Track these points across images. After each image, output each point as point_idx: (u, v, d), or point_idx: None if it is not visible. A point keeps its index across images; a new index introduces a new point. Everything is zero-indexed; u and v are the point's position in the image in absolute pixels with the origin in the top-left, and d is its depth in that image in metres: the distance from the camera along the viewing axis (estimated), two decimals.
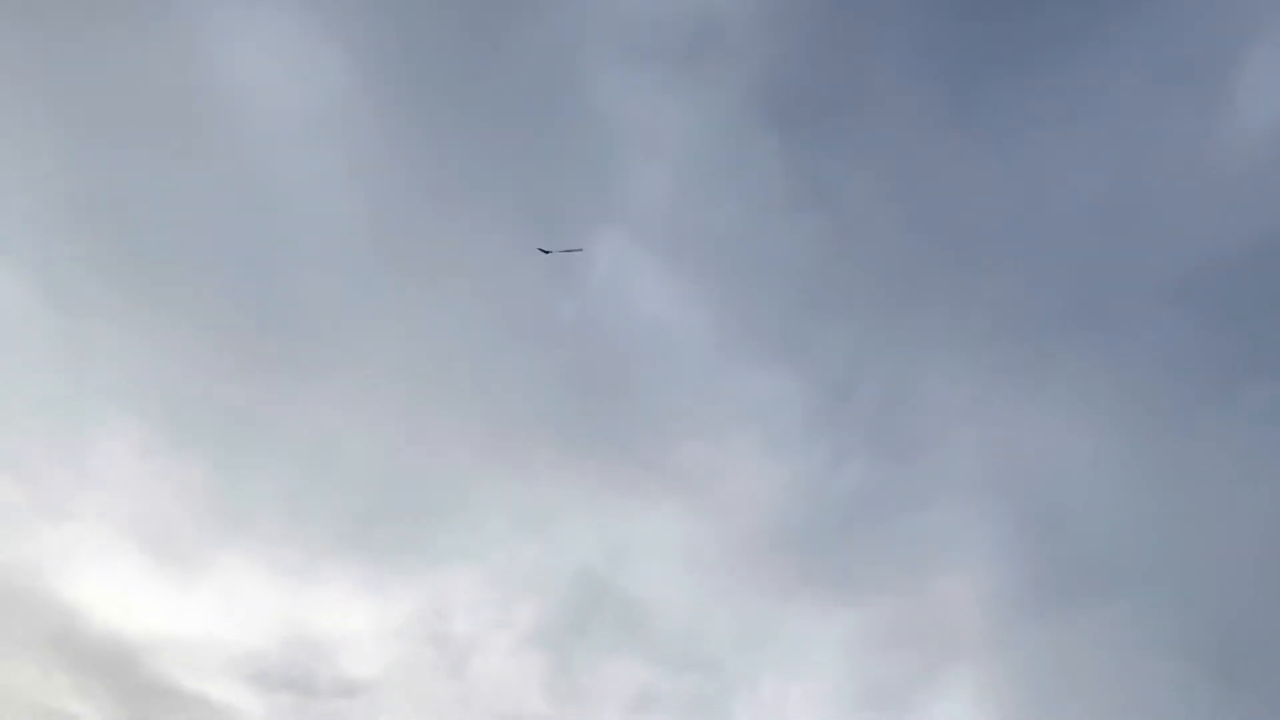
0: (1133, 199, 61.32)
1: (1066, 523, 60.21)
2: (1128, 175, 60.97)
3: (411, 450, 55.85)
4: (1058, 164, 61.08)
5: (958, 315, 61.44)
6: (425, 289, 57.11)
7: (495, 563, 56.37)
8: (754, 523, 59.29)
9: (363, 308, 56.11)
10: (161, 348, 54.30)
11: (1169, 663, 57.27)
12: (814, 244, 60.45)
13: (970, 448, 60.44)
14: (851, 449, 60.71)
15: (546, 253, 43.94)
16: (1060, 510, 60.40)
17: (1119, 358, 62.32)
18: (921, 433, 60.96)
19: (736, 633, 58.31)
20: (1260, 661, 54.36)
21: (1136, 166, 60.53)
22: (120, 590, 52.09)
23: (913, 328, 61.07)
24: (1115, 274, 62.28)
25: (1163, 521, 60.17)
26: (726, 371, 60.03)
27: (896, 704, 58.38)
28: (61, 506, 51.93)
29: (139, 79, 53.91)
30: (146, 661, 51.41)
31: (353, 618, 54.48)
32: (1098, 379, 61.60)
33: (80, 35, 52.07)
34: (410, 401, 55.76)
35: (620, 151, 57.39)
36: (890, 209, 61.02)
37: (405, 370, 55.80)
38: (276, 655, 53.19)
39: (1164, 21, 60.08)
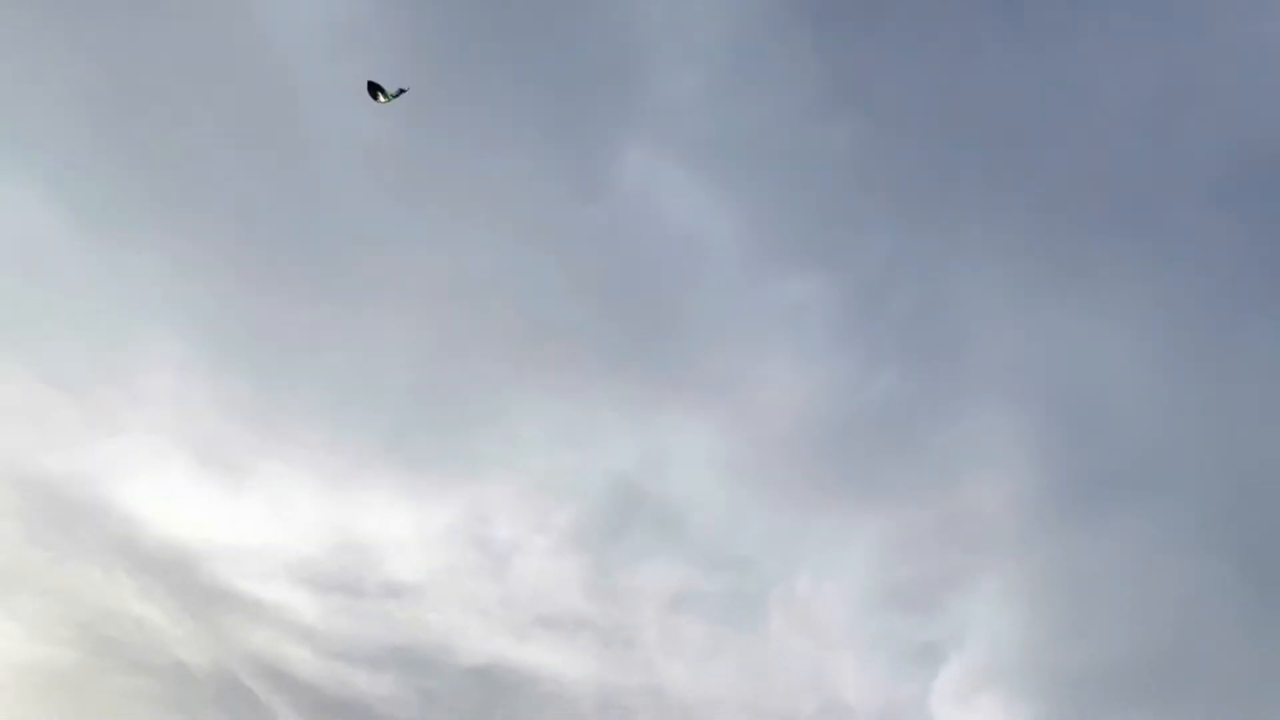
0: (1177, 92, 58.92)
1: (1101, 428, 60.14)
2: (1172, 67, 58.49)
3: (447, 362, 56.68)
4: (1098, 57, 58.64)
5: (994, 218, 60.17)
6: (454, 202, 56.88)
7: (533, 470, 57.65)
8: (786, 429, 59.81)
9: (392, 222, 56.12)
10: (196, 266, 54.87)
11: (1201, 565, 57.69)
12: (847, 147, 58.90)
13: (1004, 354, 60.05)
14: (883, 356, 60.47)
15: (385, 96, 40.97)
16: (1094, 416, 60.26)
17: (1158, 260, 60.94)
18: (954, 339, 60.47)
19: (770, 535, 59.54)
20: None
21: (1181, 57, 58.04)
22: (172, 499, 54.14)
23: (948, 232, 59.92)
24: (1156, 173, 60.34)
25: (1198, 425, 59.74)
26: (758, 279, 59.62)
27: (926, 604, 59.63)
28: (112, 421, 53.61)
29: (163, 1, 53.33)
30: (202, 566, 53.80)
31: (396, 524, 56.33)
32: (1136, 282, 60.39)
33: None
34: (444, 314, 56.27)
35: (646, 53, 55.98)
36: (926, 109, 59.28)
37: (438, 283, 56.08)
38: (325, 560, 55.39)
39: None
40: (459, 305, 56.12)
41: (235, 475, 54.82)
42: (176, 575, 53.36)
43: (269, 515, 55.10)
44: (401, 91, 38.86)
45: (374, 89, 39.11)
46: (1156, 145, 60.02)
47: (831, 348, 60.23)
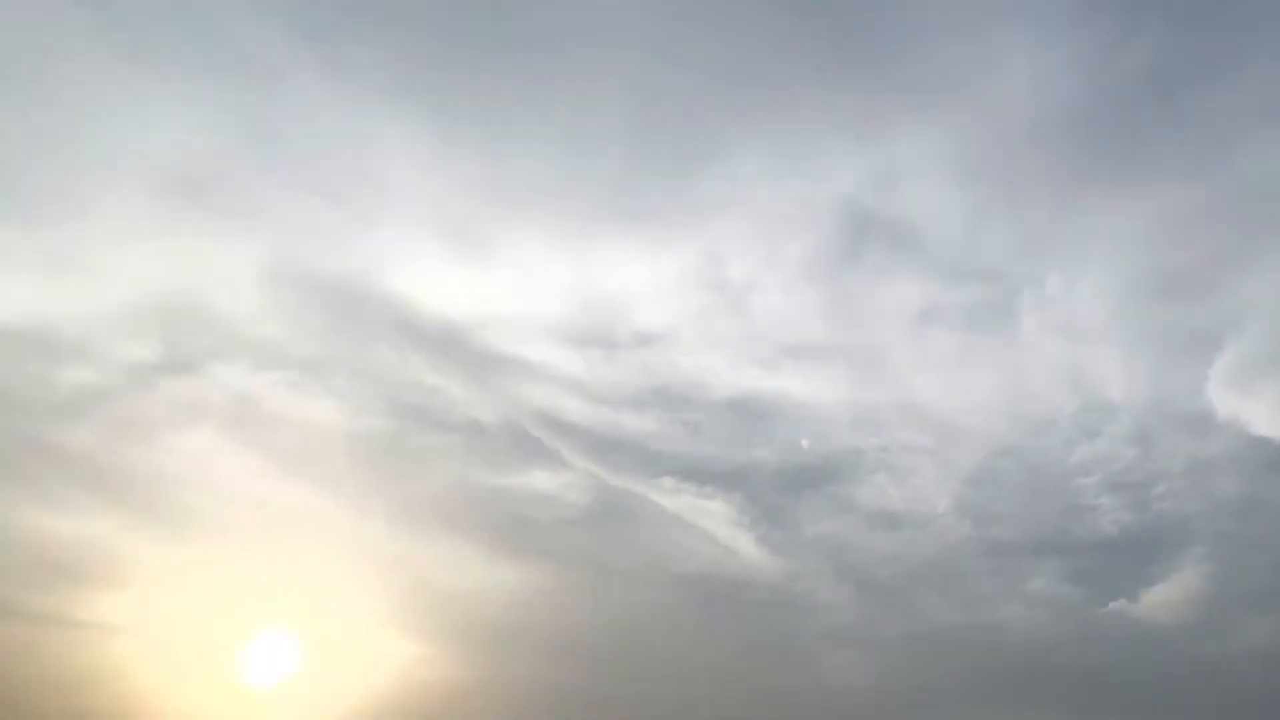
0: None
1: None
2: None
3: (662, 104, 56.04)
4: None
5: None
6: None
7: (760, 204, 57.42)
8: (1028, 120, 55.05)
9: None
10: (413, 57, 56.65)
11: None
12: None
13: None
14: (1142, 14, 53.11)
15: None
16: None
17: None
18: None
19: (1016, 237, 56.92)
20: None
21: None
22: (435, 281, 59.10)
23: None
24: None
25: None
26: None
27: (1201, 288, 55.44)
28: (370, 218, 58.45)
29: None
30: (473, 336, 59.20)
31: (635, 276, 58.89)
32: None
33: None
34: (653, 57, 55.06)
35: None
36: None
37: (643, 28, 54.63)
38: (578, 318, 59.37)
39: None
40: (667, 44, 54.63)
41: (484, 250, 58.72)
42: (454, 348, 59.26)
43: (520, 283, 59.09)
44: None
45: None
46: None
47: (1077, 17, 53.45)
